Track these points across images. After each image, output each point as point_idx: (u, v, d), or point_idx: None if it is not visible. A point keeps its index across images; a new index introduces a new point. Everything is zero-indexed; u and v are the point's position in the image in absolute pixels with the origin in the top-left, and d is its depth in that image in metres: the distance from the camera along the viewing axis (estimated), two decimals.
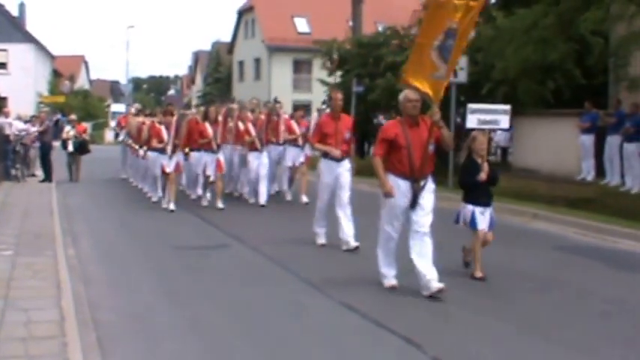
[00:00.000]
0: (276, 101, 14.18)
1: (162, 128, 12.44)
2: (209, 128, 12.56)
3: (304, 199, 13.05)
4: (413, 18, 21.66)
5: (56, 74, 48.45)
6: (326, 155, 8.77)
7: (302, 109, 15.03)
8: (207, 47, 56.89)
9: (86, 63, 63.69)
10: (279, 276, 7.51)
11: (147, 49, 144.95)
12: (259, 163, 12.88)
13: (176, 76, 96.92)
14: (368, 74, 19.60)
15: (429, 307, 6.25)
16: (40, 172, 17.22)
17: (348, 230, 8.61)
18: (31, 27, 48.64)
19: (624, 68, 13.27)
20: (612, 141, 13.97)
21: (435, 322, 5.85)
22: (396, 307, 6.24)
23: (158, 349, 5.20)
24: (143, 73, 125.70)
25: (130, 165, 16.94)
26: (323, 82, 22.34)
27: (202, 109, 14.68)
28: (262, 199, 12.83)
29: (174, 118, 12.51)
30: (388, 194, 6.53)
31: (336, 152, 8.72)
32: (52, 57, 48.38)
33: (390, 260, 6.83)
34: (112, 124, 44.73)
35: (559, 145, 15.63)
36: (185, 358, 5.02)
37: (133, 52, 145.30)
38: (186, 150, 12.93)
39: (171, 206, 12.02)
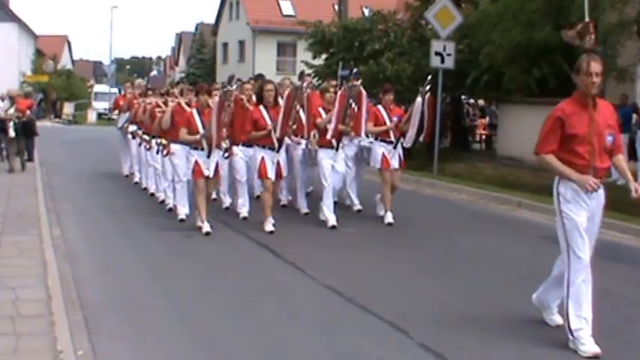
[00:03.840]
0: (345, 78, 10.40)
1: (194, 113, 8.87)
2: (266, 115, 8.99)
3: (389, 217, 9.49)
4: (400, 3, 21.54)
5: (39, 54, 47.82)
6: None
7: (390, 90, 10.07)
8: (191, 29, 56.40)
9: (69, 43, 62.92)
10: (265, 259, 7.51)
11: (130, 30, 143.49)
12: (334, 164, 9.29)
13: (159, 58, 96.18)
14: (353, 59, 19.50)
15: (414, 292, 6.32)
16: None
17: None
18: (14, 6, 47.90)
19: (613, 58, 13.29)
20: None
21: (420, 307, 5.85)
22: (382, 292, 6.25)
23: (144, 327, 5.23)
24: (126, 54, 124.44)
25: (136, 159, 12.91)
26: (307, 65, 22.20)
27: (249, 85, 10.29)
28: (332, 218, 9.05)
29: (216, 99, 8.58)
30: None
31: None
32: (35, 36, 47.77)
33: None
34: (95, 104, 44.38)
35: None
36: (171, 337, 5.05)
37: (116, 32, 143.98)
38: (225, 144, 9.16)
39: (207, 226, 8.49)
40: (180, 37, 63.44)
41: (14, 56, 40.49)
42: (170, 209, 9.88)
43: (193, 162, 8.67)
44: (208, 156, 8.58)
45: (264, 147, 8.85)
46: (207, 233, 8.40)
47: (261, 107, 8.95)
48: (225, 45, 45.45)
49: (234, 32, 43.41)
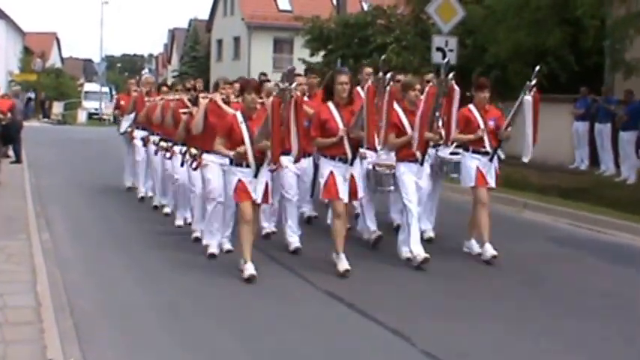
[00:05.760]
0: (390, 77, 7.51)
1: (239, 117, 6.70)
2: (337, 115, 6.87)
3: (490, 250, 7.37)
4: None
5: (27, 52, 47.33)
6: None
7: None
8: (184, 25, 55.84)
9: (58, 40, 62.40)
10: (263, 264, 7.14)
11: (121, 27, 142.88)
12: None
13: (150, 55, 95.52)
14: (353, 55, 19.10)
15: (416, 298, 6.23)
16: (12, 153, 16.57)
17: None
18: (1, 2, 47.41)
19: (620, 52, 12.91)
20: (602, 129, 13.66)
21: (422, 313, 5.80)
22: (383, 298, 6.16)
23: (136, 334, 5.21)
24: (117, 52, 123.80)
25: (148, 172, 10.89)
26: (305, 62, 21.78)
27: (302, 78, 8.41)
28: (420, 251, 7.08)
29: (271, 100, 6.46)
30: None
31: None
32: (23, 34, 47.25)
33: None
34: (85, 104, 43.77)
35: (552, 132, 15.21)
36: (163, 345, 5.04)
37: (106, 29, 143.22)
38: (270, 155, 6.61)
39: (250, 268, 6.53)
40: (172, 34, 62.88)
41: (1, 54, 40.08)
42: (197, 239, 7.91)
43: (235, 181, 6.62)
44: (256, 175, 6.60)
45: (333, 158, 6.80)
46: (251, 278, 6.44)
47: (331, 105, 6.89)
48: (219, 42, 44.98)
49: (228, 28, 42.94)
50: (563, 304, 6.23)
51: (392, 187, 7.31)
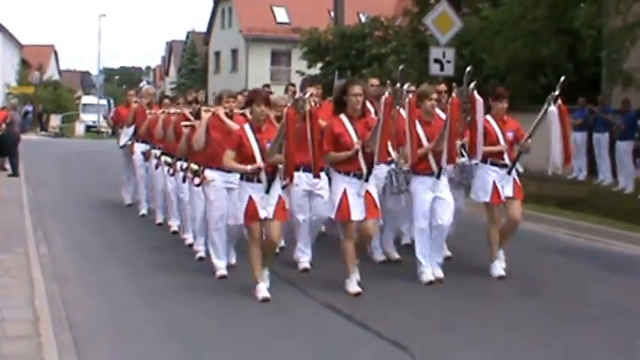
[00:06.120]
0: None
1: (247, 130, 6.40)
2: (351, 128, 6.49)
3: (498, 268, 7.26)
4: (398, 8, 21.22)
5: (25, 64, 47.31)
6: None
7: None
8: (182, 37, 55.92)
9: (56, 53, 62.44)
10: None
11: (119, 39, 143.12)
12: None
13: (148, 67, 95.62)
14: (350, 66, 19.13)
15: (415, 310, 6.20)
16: (9, 166, 16.52)
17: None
18: None
19: (618, 63, 12.95)
20: (600, 139, 13.67)
21: (421, 325, 5.77)
22: (381, 310, 6.13)
23: (135, 349, 5.17)
24: (115, 64, 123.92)
25: (148, 185, 10.54)
26: (302, 74, 21.82)
27: (314, 89, 7.49)
28: (430, 273, 6.95)
29: (285, 111, 6.07)
30: None
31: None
32: (20, 46, 47.25)
33: None
34: (83, 116, 43.66)
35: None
36: (162, 358, 5.01)
37: (104, 42, 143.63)
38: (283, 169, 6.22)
39: (263, 289, 6.29)
40: (170, 46, 62.96)
41: None
42: (201, 258, 7.73)
43: (246, 200, 6.20)
44: (267, 191, 6.21)
45: (347, 174, 6.42)
46: (265, 300, 6.18)
47: (343, 117, 6.55)
48: (217, 54, 45.04)
49: (226, 40, 43.01)
50: (562, 313, 6.21)
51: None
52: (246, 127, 6.40)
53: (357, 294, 6.40)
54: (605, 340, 5.42)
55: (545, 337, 5.52)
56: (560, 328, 5.76)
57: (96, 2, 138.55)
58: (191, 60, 48.41)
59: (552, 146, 7.16)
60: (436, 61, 14.92)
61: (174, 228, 9.24)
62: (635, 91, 13.59)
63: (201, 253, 7.75)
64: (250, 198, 6.15)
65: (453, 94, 6.78)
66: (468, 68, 6.80)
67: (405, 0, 20.77)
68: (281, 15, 40.10)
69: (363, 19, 23.95)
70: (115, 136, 14.25)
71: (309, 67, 20.87)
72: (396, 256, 7.75)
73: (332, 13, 23.98)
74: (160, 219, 9.88)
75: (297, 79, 22.47)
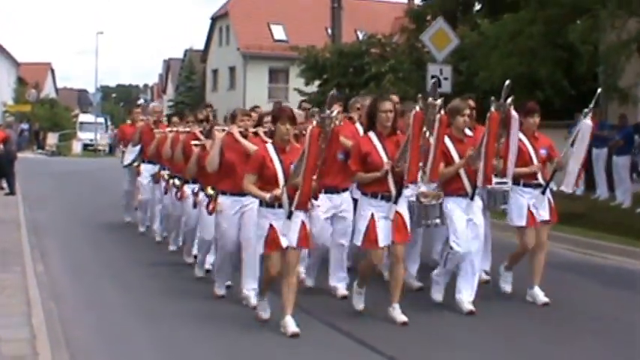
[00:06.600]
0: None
1: (271, 150, 5.89)
2: (380, 147, 6.07)
3: (541, 295, 6.91)
4: (395, 26, 21.30)
5: (21, 82, 47.33)
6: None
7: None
8: (179, 55, 56.06)
9: (52, 71, 62.53)
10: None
11: (116, 57, 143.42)
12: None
13: (145, 85, 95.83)
14: (348, 84, 19.17)
15: (414, 326, 6.10)
16: (6, 185, 16.49)
17: None
18: None
19: (614, 78, 12.98)
20: (598, 154, 13.66)
21: (420, 342, 5.77)
22: (380, 326, 6.07)
23: None
24: (112, 82, 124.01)
25: (156, 207, 10.03)
26: (300, 92, 21.85)
27: (336, 106, 6.55)
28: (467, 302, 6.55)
29: (309, 130, 5.58)
30: None
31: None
32: (17, 64, 47.30)
33: None
34: (80, 134, 43.61)
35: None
36: None
37: (101, 59, 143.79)
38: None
39: (292, 324, 5.77)
40: (168, 64, 63.05)
41: None
42: (200, 278, 7.71)
43: (267, 227, 5.74)
44: (289, 217, 5.67)
45: (375, 196, 5.99)
46: (294, 335, 5.70)
47: (372, 135, 6.12)
48: (214, 71, 45.12)
49: (224, 58, 43.10)
50: (560, 327, 6.21)
51: (438, 221, 6.33)
52: (269, 147, 5.89)
53: (404, 323, 6.06)
54: (607, 354, 5.43)
55: (547, 351, 5.50)
56: (562, 341, 5.75)
57: (93, 20, 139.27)
58: (189, 78, 48.43)
59: (571, 164, 6.88)
60: (433, 77, 14.98)
61: (173, 247, 9.23)
62: (632, 106, 13.65)
63: (200, 274, 7.74)
64: (271, 226, 5.70)
65: (492, 109, 6.29)
66: (507, 82, 6.38)
67: (402, 17, 20.93)
68: (278, 33, 40.21)
69: (360, 37, 23.99)
70: (112, 154, 14.24)
71: (307, 84, 20.91)
72: (418, 284, 7.33)
73: (329, 31, 24.08)
74: (172, 247, 9.38)
75: (294, 97, 22.56)
